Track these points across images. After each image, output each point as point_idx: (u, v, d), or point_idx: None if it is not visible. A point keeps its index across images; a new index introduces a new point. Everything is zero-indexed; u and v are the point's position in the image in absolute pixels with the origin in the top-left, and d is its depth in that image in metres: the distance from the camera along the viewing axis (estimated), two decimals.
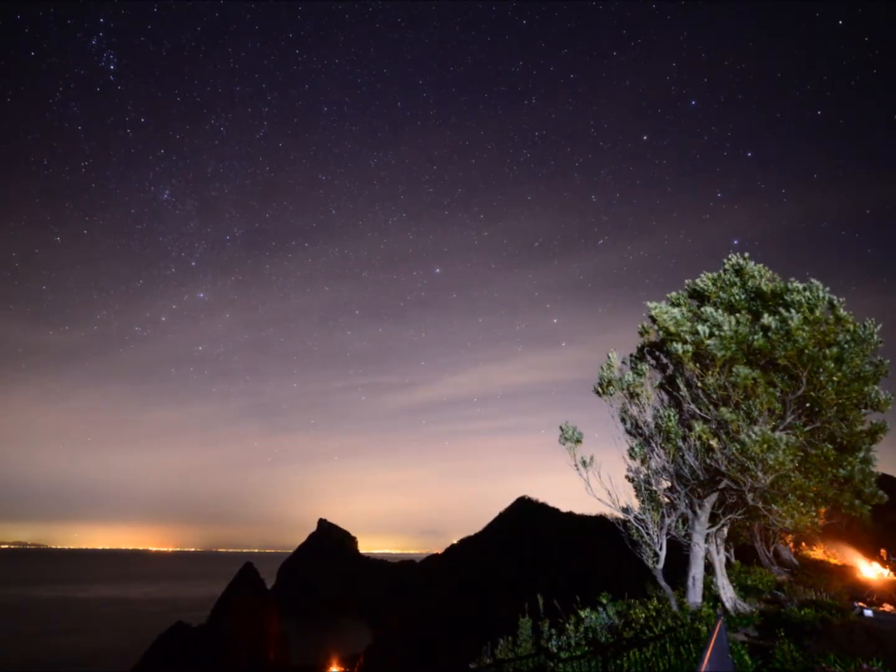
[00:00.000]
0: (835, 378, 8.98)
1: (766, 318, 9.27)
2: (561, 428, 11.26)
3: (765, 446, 8.73)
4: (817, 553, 20.98)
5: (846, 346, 8.99)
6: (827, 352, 8.89)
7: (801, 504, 9.41)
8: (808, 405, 9.72)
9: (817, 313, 9.07)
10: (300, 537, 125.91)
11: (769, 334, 9.21)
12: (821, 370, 8.98)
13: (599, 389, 11.74)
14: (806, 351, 8.91)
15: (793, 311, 9.04)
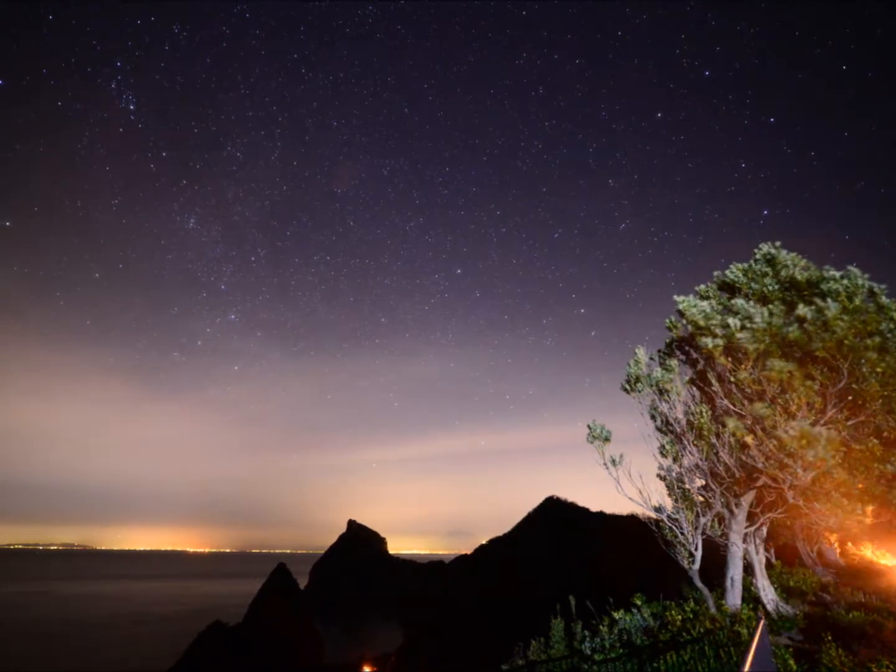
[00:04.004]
0: (878, 369, 8.55)
1: (802, 309, 8.91)
2: (589, 426, 11.09)
3: (804, 442, 8.38)
4: (865, 553, 20.00)
5: (889, 335, 8.55)
6: (868, 342, 8.48)
7: (846, 502, 8.99)
8: (850, 398, 9.29)
9: (857, 302, 8.66)
10: (331, 538, 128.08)
11: (805, 325, 8.85)
12: (862, 361, 8.58)
13: (627, 386, 11.51)
14: (846, 342, 8.52)
15: (830, 300, 8.66)
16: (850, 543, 20.81)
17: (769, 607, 10.97)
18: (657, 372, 11.12)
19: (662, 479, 11.13)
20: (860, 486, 9.18)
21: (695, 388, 11.48)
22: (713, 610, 9.42)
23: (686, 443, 10.67)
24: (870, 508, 9.53)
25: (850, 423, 9.31)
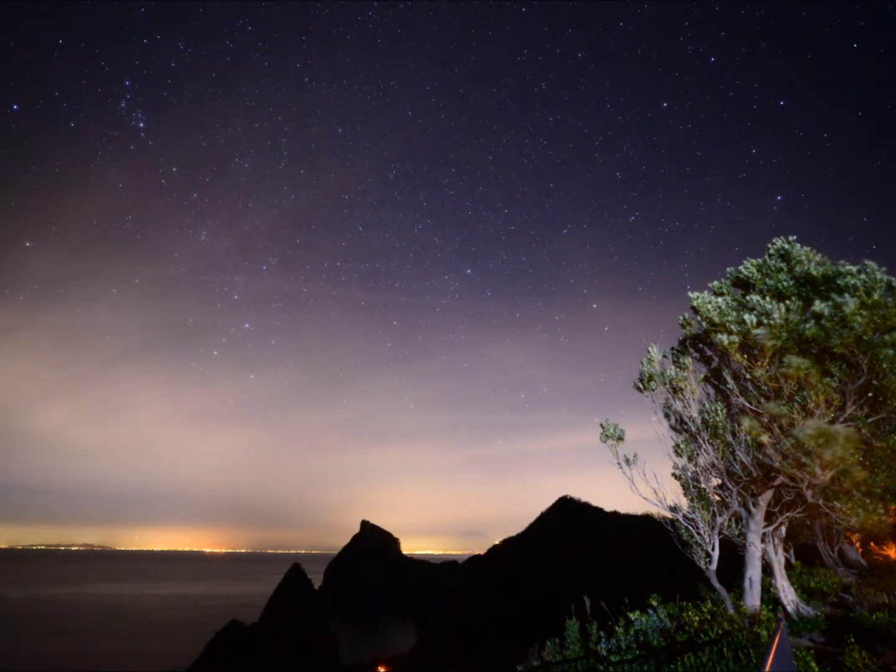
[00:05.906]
0: None
1: (819, 305, 8.75)
2: (602, 426, 11.01)
3: (822, 440, 8.24)
4: (888, 553, 19.55)
5: None
6: (887, 338, 8.30)
7: (867, 500, 8.81)
8: (869, 395, 9.10)
9: (875, 297, 8.49)
10: (345, 539, 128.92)
11: (822, 321, 8.69)
12: (882, 357, 8.40)
13: (640, 385, 11.41)
14: (864, 337, 8.35)
15: (847, 295, 8.50)
16: (872, 543, 20.36)
17: (789, 608, 10.79)
18: (671, 370, 11.01)
19: (677, 478, 11.01)
20: (881, 484, 8.98)
21: (709, 387, 11.34)
22: (731, 611, 9.29)
23: (701, 442, 10.54)
24: (892, 507, 9.32)
25: (870, 420, 9.13)
